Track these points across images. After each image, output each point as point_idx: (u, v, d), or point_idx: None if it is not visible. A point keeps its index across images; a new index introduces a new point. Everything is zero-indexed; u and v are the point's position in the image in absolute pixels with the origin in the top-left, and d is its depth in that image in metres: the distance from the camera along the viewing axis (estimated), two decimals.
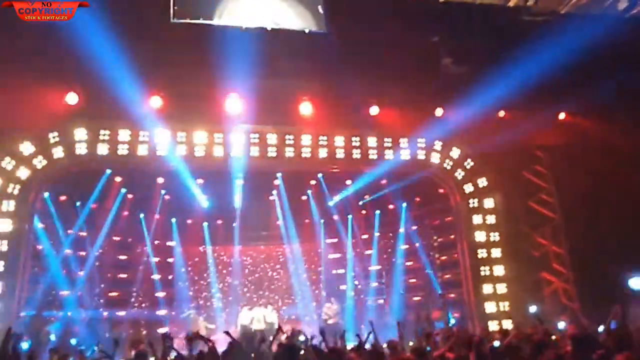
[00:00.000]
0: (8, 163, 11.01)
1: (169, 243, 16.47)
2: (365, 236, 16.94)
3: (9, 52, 9.29)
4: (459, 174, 13.50)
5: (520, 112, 12.66)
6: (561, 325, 9.94)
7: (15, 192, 11.07)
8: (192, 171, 12.81)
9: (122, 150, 11.55)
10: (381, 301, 16.35)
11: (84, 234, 13.90)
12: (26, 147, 11.15)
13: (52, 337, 11.62)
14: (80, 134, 11.40)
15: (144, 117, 10.84)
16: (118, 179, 13.33)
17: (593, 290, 11.32)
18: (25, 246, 11.11)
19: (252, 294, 16.88)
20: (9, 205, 10.97)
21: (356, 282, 16.87)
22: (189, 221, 16.33)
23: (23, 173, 11.15)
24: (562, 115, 12.74)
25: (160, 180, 13.86)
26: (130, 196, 14.25)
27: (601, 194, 11.56)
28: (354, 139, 12.87)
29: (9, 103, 10.07)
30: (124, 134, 11.58)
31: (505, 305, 12.65)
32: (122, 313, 14.48)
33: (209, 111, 11.52)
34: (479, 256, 13.13)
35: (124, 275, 15.21)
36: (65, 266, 13.11)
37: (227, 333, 7.27)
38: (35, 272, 11.91)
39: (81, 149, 11.43)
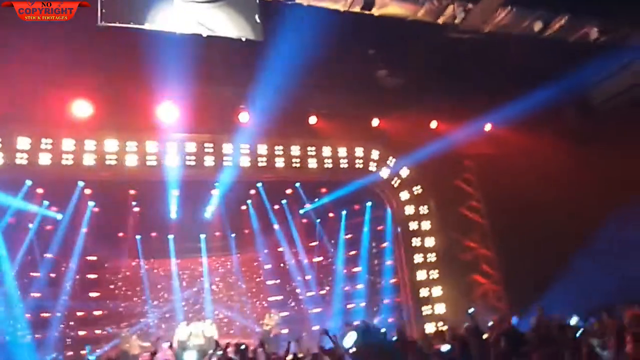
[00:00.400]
0: None
1: (93, 257, 15.47)
2: (307, 244, 16.96)
3: None
4: (395, 182, 13.94)
5: (451, 123, 13.31)
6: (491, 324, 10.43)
7: None
8: (124, 182, 12.19)
9: (45, 160, 10.77)
10: (319, 310, 16.39)
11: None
12: None
13: None
14: None
15: (69, 124, 10.16)
16: (40, 190, 12.40)
17: (521, 291, 12.04)
18: None
19: (189, 309, 16.29)
20: None
21: (297, 291, 16.81)
22: (120, 234, 15.50)
23: None
24: (488, 127, 13.56)
25: (87, 191, 13.05)
26: (54, 209, 13.30)
27: (525, 200, 12.35)
28: (293, 147, 12.93)
29: None
30: (45, 143, 10.80)
31: (441, 308, 13.17)
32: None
33: (141, 119, 11.03)
34: (416, 261, 13.60)
35: (44, 295, 14.08)
36: None
37: (170, 346, 6.90)
38: None
39: None
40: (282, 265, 17.18)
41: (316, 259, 16.88)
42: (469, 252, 13.74)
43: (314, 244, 16.74)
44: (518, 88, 11.02)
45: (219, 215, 15.44)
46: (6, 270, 12.59)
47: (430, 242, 13.78)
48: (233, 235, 16.57)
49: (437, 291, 13.45)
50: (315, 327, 14.94)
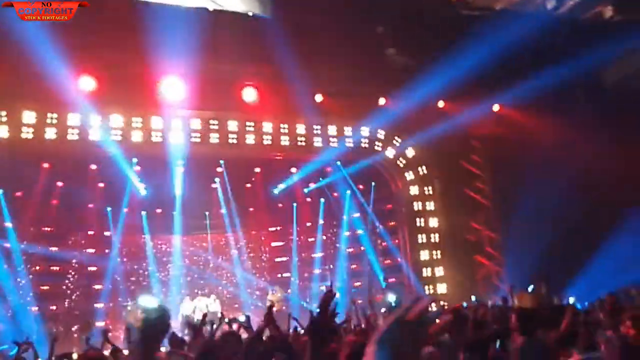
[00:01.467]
0: None
1: (105, 233, 15.65)
2: (309, 224, 17.00)
3: None
4: (401, 162, 13.87)
5: (459, 103, 13.13)
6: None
7: None
8: (129, 158, 12.21)
9: (50, 134, 10.77)
10: (324, 287, 16.53)
11: (9, 224, 12.88)
12: None
13: None
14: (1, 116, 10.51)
15: (74, 99, 10.12)
16: (46, 165, 12.43)
17: (523, 272, 12.06)
18: None
19: (194, 284, 16.48)
20: None
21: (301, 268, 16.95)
22: (126, 210, 15.57)
23: None
24: (496, 107, 13.38)
25: (93, 167, 13.08)
26: (60, 184, 13.36)
27: (532, 183, 12.26)
28: (298, 126, 12.85)
29: None
30: (51, 118, 10.78)
31: (443, 287, 13.26)
32: (53, 307, 13.66)
33: (146, 95, 10.96)
34: (419, 241, 13.64)
35: (56, 268, 14.31)
36: None
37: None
38: None
39: (2, 133, 10.52)
40: (285, 243, 17.27)
41: (320, 238, 16.93)
42: (474, 234, 13.74)
43: (320, 222, 16.76)
44: (528, 68, 10.82)
45: (223, 192, 15.45)
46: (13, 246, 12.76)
47: (434, 222, 13.78)
48: (237, 212, 16.62)
49: (439, 271, 13.52)
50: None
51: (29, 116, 10.59)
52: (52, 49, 8.84)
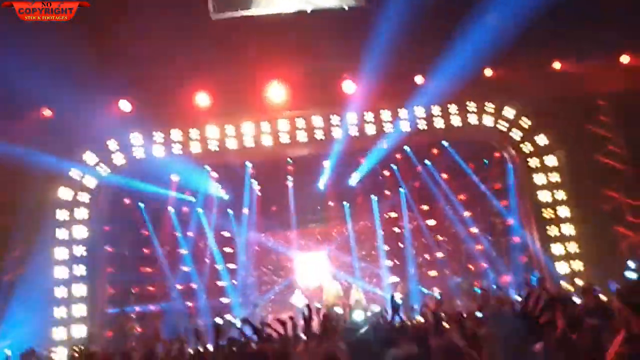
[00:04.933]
0: (76, 174, 11.67)
1: (226, 234, 16.82)
2: (425, 207, 16.61)
3: None
4: (516, 134, 12.93)
5: (578, 60, 11.86)
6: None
7: (86, 200, 11.75)
8: (242, 163, 13.08)
9: (177, 150, 11.93)
10: (447, 271, 16.11)
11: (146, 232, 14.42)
12: (89, 157, 11.75)
13: (137, 329, 12.44)
14: (136, 139, 11.87)
15: (193, 115, 11.09)
16: (175, 177, 13.80)
17: None
18: (100, 249, 11.86)
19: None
20: (83, 213, 11.66)
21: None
22: (245, 210, 16.64)
23: (90, 182, 11.78)
24: (624, 58, 11.81)
25: (214, 174, 14.20)
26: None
27: None
28: (399, 110, 12.64)
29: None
30: (176, 134, 11.93)
31: (579, 265, 12.16)
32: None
33: (254, 101, 11.59)
34: (545, 216, 12.64)
35: (187, 269, 15.75)
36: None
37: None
38: (111, 272, 12.65)
39: (139, 153, 11.89)
40: (396, 230, 17.11)
41: (430, 222, 16.51)
42: (610, 203, 12.36)
43: (427, 207, 16.36)
44: None
45: (332, 186, 15.76)
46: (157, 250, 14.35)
47: (560, 195, 12.65)
48: (347, 204, 16.81)
49: (572, 247, 12.39)
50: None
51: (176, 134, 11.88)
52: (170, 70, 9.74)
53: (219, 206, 15.67)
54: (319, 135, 12.38)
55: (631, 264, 7.90)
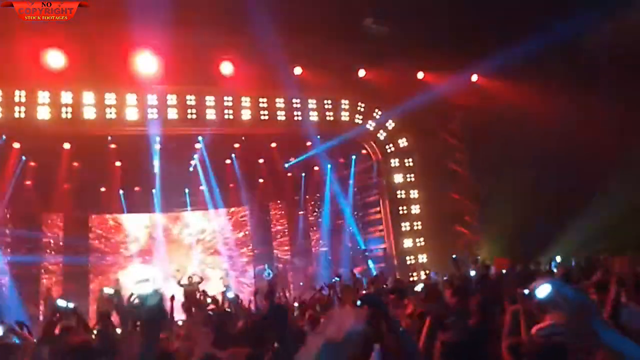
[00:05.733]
0: None
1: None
2: (292, 198, 17.01)
3: None
4: (381, 134, 13.89)
5: (438, 73, 13.12)
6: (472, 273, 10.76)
7: None
8: (103, 136, 11.90)
9: (19, 113, 10.35)
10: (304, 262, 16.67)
11: None
12: None
13: None
14: None
15: (43, 77, 9.71)
16: (16, 145, 11.99)
17: (499, 242, 12.40)
18: None
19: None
20: None
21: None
22: (103, 189, 15.25)
23: None
24: (474, 77, 13.41)
25: (66, 146, 12.68)
26: (32, 164, 12.95)
27: (511, 152, 12.41)
28: (277, 100, 12.67)
29: None
30: (19, 95, 10.34)
31: (423, 257, 13.55)
32: None
33: (119, 70, 10.58)
34: (400, 213, 13.82)
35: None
36: None
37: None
38: None
39: None
40: (267, 219, 17.27)
41: (301, 212, 17.00)
42: (453, 204, 13.97)
43: (298, 197, 16.80)
44: (506, 36, 10.78)
45: (203, 169, 15.23)
46: None
47: (414, 194, 13.95)
48: (218, 189, 16.43)
49: (420, 242, 13.77)
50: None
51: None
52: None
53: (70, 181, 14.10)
54: (191, 114, 11.83)
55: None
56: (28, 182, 13.32)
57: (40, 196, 13.89)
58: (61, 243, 14.86)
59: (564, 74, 11.54)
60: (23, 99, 10.33)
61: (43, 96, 10.38)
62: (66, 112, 10.67)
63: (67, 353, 3.12)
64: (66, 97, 10.63)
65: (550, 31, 10.49)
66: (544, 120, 11.65)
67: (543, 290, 1.43)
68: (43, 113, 10.47)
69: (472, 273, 9.60)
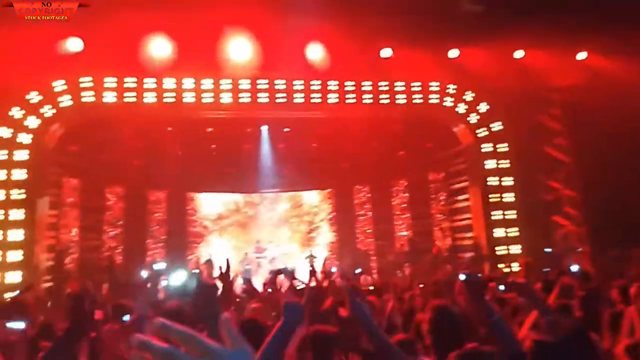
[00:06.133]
0: (18, 111, 11.01)
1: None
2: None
3: None
4: (473, 118, 13.21)
5: (540, 52, 12.12)
6: (574, 268, 9.94)
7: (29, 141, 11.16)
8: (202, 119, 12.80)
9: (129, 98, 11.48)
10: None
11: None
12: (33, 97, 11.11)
13: None
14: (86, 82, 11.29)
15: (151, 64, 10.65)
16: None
17: (605, 234, 11.28)
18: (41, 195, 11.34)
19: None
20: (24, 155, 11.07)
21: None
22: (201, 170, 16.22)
23: (33, 122, 11.17)
24: (581, 55, 12.19)
25: (169, 128, 13.77)
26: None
27: (619, 138, 11.23)
28: (364, 83, 12.59)
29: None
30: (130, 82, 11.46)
31: (517, 248, 12.76)
32: None
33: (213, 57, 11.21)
34: (491, 200, 13.11)
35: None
36: None
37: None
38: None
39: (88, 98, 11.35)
40: (352, 203, 17.25)
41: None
42: (552, 193, 12.95)
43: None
44: (619, 10, 9.64)
45: (290, 152, 15.59)
46: None
47: (508, 181, 13.13)
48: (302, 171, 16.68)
49: (513, 232, 12.97)
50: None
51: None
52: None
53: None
54: (262, 98, 12.16)
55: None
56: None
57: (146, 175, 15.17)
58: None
59: None
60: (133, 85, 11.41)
61: (149, 82, 11.38)
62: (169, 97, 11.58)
63: None
64: (169, 82, 11.54)
65: None
66: None
67: None
68: (150, 98, 11.49)
69: (575, 268, 8.92)
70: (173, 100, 11.66)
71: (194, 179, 15.90)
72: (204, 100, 11.81)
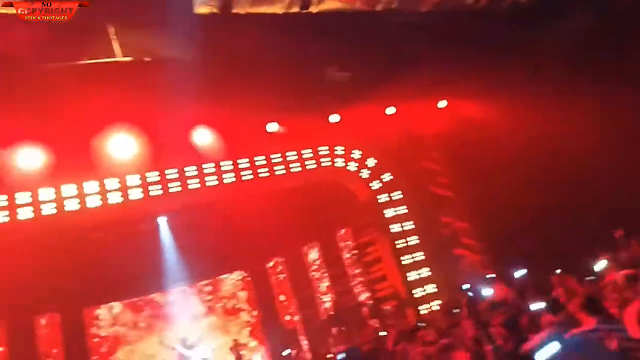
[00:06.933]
0: None
1: None
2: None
3: None
4: (365, 173, 14.04)
5: (407, 106, 13.50)
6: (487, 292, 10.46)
7: None
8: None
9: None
10: None
11: None
12: None
13: None
14: None
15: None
16: None
17: (502, 256, 12.28)
18: None
19: None
20: None
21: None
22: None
23: None
24: (442, 103, 13.86)
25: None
26: None
27: (489, 168, 12.59)
28: (257, 158, 12.80)
29: None
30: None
31: (432, 287, 13.29)
32: None
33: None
34: (399, 246, 13.71)
35: None
36: None
37: None
38: None
39: None
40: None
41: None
42: (447, 228, 13.96)
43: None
44: (467, 60, 11.24)
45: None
46: None
47: (409, 225, 13.93)
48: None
49: (425, 272, 13.57)
50: None
51: None
52: None
53: None
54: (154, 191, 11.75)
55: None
56: None
57: None
58: None
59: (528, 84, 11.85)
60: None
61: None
62: None
63: None
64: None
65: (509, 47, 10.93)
66: (512, 134, 11.89)
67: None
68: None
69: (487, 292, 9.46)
70: (54, 211, 10.67)
71: (89, 292, 14.42)
72: (88, 205, 10.98)
